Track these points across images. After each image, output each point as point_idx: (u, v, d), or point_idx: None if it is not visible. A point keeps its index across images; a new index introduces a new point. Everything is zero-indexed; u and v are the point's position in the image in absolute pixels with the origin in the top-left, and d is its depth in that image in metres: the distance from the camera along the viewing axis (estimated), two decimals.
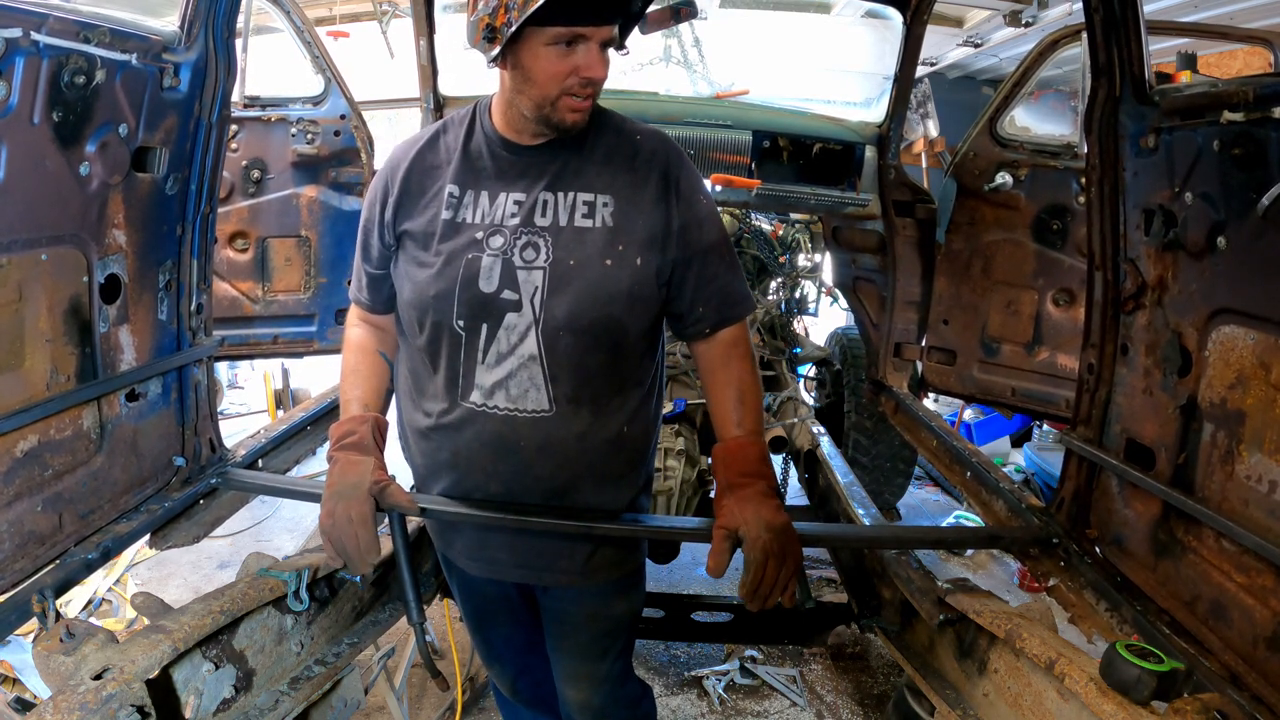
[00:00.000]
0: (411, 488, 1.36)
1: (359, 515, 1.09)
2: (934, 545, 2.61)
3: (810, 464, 2.51)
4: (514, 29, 0.97)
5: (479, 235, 1.10)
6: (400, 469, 1.33)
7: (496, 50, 1.01)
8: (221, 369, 4.86)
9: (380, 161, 2.68)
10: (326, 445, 1.23)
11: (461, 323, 1.10)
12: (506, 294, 1.09)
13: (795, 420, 2.70)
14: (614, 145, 1.14)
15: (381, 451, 1.17)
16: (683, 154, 1.18)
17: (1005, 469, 3.97)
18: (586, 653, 1.33)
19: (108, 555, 1.38)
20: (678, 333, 1.22)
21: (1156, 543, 1.38)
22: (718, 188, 2.54)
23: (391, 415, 1.28)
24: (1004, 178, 2.41)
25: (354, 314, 1.30)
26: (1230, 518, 1.20)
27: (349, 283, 2.65)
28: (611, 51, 1.11)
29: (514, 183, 1.12)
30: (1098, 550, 1.54)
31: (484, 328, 1.10)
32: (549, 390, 1.11)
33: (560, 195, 1.11)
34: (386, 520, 1.21)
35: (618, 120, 1.18)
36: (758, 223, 3.59)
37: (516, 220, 1.10)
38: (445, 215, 1.12)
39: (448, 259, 1.11)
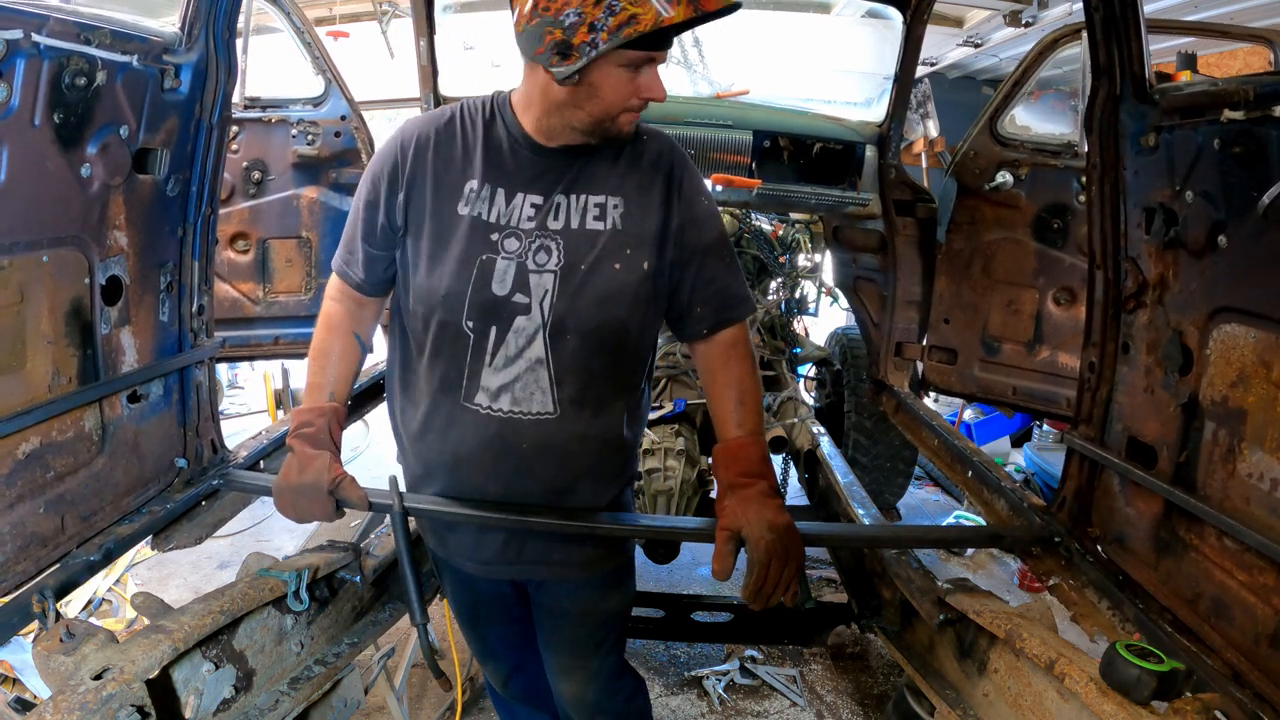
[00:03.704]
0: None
1: (323, 514, 1.15)
2: (934, 545, 2.61)
3: (810, 464, 2.51)
4: (598, 52, 0.96)
5: (494, 236, 1.09)
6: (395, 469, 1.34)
7: (571, 68, 0.99)
8: (221, 369, 4.86)
9: None
10: None
11: (471, 324, 1.10)
12: (518, 297, 1.09)
13: (795, 420, 2.70)
14: (624, 147, 1.15)
15: (337, 443, 1.19)
16: (685, 155, 1.20)
17: (1005, 469, 3.97)
18: (579, 647, 1.33)
19: (109, 557, 1.38)
20: (678, 333, 1.23)
21: (1158, 541, 1.38)
22: (718, 188, 2.54)
23: (380, 413, 1.29)
24: (1004, 177, 2.41)
25: (335, 287, 1.21)
26: (1232, 516, 1.20)
27: None
28: None
29: (533, 184, 1.11)
30: (1099, 549, 1.53)
31: (493, 330, 1.10)
32: (554, 393, 1.11)
33: (574, 198, 1.11)
34: (387, 520, 1.21)
35: None
36: (758, 223, 3.59)
37: (533, 224, 1.10)
38: (463, 211, 1.10)
39: (462, 258, 1.09)
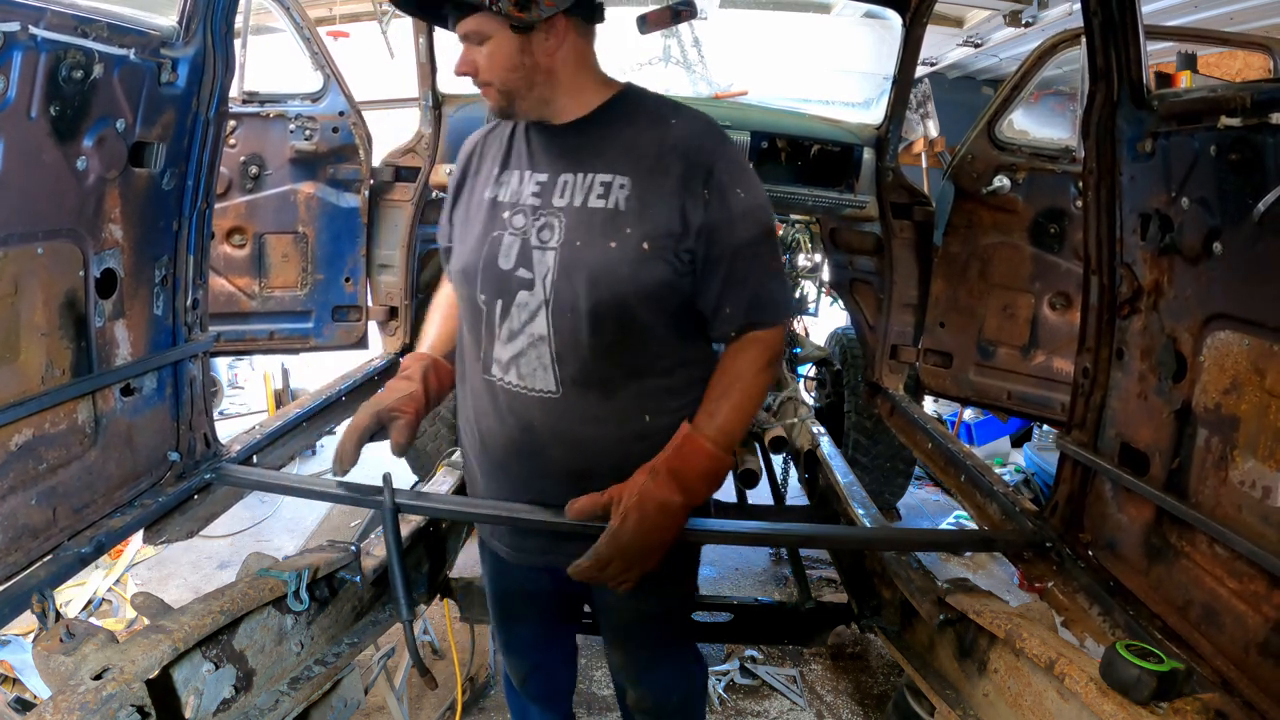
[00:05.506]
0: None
1: (355, 423, 1.20)
2: (930, 547, 2.61)
3: (810, 464, 2.51)
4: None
5: (505, 214, 1.14)
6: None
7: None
8: (221, 369, 4.84)
9: (378, 159, 2.71)
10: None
11: (483, 297, 1.15)
12: (521, 272, 1.11)
13: (795, 420, 2.70)
14: (645, 127, 1.11)
15: (430, 388, 1.26)
16: (725, 142, 1.11)
17: (1005, 469, 3.98)
18: (634, 641, 1.35)
19: (101, 549, 1.37)
20: (709, 332, 1.16)
21: (1150, 547, 1.39)
22: None
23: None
24: (1002, 181, 2.41)
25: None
26: (1223, 523, 1.20)
27: (346, 280, 2.67)
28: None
29: (540, 162, 1.15)
30: (1091, 554, 1.54)
31: (499, 304, 1.13)
32: (555, 371, 1.11)
33: (580, 176, 1.11)
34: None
35: (658, 103, 1.15)
36: None
37: (537, 200, 1.12)
38: (486, 194, 1.18)
39: (480, 235, 1.16)
